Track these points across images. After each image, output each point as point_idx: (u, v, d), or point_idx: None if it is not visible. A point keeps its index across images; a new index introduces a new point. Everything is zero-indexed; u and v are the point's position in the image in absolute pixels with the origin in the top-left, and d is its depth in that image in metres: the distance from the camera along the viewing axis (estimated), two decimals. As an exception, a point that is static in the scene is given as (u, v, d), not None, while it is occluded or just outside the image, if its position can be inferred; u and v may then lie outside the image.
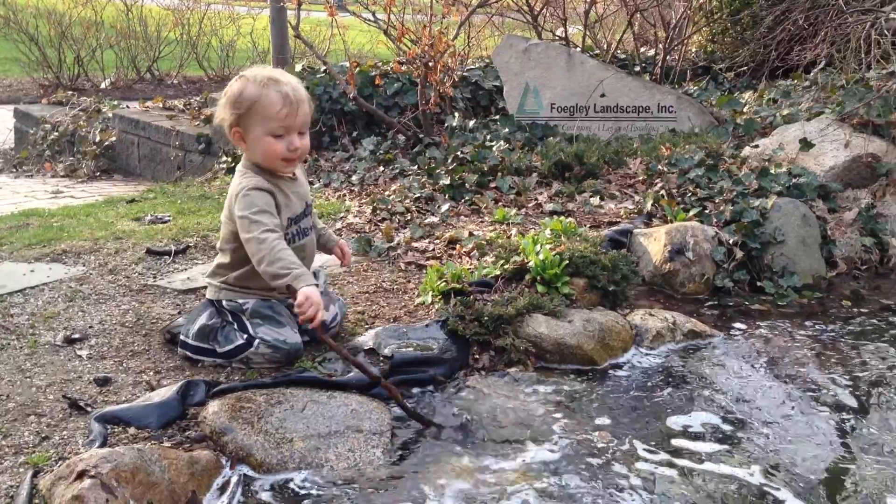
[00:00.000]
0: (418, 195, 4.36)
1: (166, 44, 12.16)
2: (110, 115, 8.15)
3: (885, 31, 4.83)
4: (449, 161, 4.76)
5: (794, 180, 3.99)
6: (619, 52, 7.11)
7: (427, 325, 2.91)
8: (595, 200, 4.21)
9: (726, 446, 2.36)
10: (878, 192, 4.09)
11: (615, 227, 3.81)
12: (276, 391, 2.43)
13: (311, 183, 4.71)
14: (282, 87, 2.51)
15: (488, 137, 5.16)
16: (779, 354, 3.02)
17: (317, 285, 2.44)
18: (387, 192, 4.51)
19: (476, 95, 6.17)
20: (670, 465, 2.26)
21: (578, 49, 6.46)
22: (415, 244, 3.77)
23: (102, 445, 2.10)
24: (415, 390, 2.62)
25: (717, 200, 3.93)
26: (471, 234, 3.79)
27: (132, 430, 2.23)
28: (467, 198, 4.35)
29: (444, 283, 3.10)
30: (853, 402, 2.66)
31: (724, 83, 6.60)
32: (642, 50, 7.27)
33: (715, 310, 3.43)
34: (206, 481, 2.07)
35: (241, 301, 2.67)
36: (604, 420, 2.49)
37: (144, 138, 7.42)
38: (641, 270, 3.59)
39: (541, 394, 2.64)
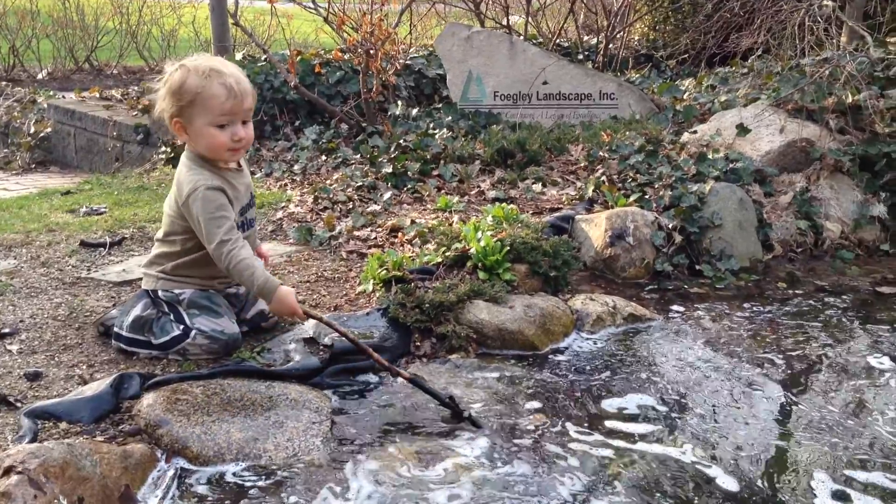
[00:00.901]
0: (361, 184, 4.33)
1: (104, 33, 11.88)
2: (45, 105, 7.95)
3: (819, 19, 4.93)
4: (392, 149, 4.74)
5: (731, 165, 4.05)
6: (562, 40, 7.15)
7: (368, 314, 2.89)
8: (537, 187, 4.23)
9: (662, 427, 2.39)
10: (813, 177, 4.17)
11: (557, 214, 3.83)
12: (213, 382, 2.39)
13: (252, 173, 4.65)
14: (226, 79, 2.45)
15: (431, 126, 5.15)
16: (716, 336, 3.07)
17: (281, 284, 2.48)
18: (329, 182, 4.47)
19: (419, 84, 6.15)
20: (606, 446, 2.27)
21: (521, 37, 6.47)
22: (357, 233, 3.74)
23: (32, 441, 2.05)
24: (360, 378, 2.61)
25: (656, 186, 3.97)
26: (413, 221, 3.78)
27: (63, 425, 2.18)
28: (410, 186, 4.34)
29: (385, 272, 3.09)
30: (789, 382, 2.71)
31: (667, 71, 6.68)
32: (585, 38, 7.32)
33: (655, 293, 3.47)
34: (140, 475, 2.03)
35: (177, 291, 2.62)
36: (542, 404, 2.50)
37: (81, 129, 7.24)
38: (583, 256, 3.61)
39: (481, 380, 2.64)
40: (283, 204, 4.22)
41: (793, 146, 4.24)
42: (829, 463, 2.23)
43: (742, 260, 3.72)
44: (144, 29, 12.07)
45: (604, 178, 4.19)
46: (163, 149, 5.85)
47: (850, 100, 4.34)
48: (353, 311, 2.96)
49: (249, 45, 8.62)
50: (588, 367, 2.78)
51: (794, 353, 2.93)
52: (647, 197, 3.90)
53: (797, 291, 3.56)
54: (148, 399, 2.27)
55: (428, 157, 4.58)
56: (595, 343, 2.98)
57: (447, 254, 3.22)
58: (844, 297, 3.51)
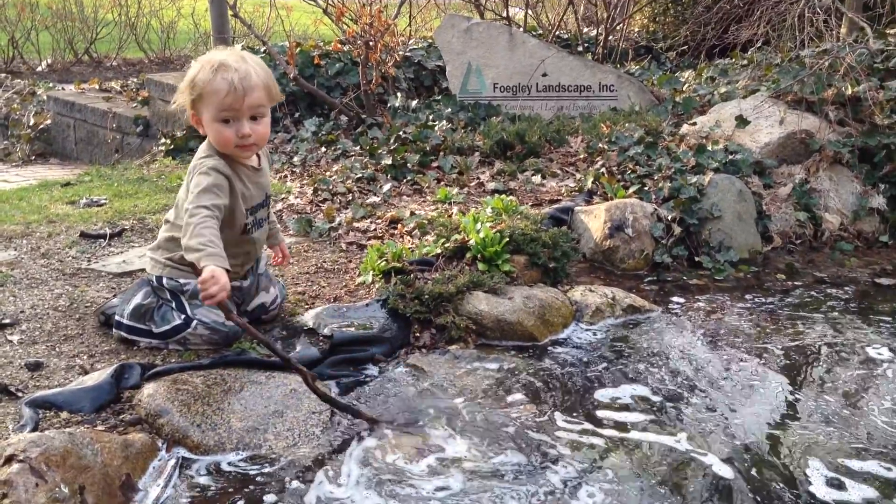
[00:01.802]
0: (360, 175, 4.34)
1: (104, 25, 11.86)
2: (45, 97, 7.94)
3: (818, 10, 4.93)
4: (391, 141, 4.74)
5: (730, 157, 4.06)
6: (561, 31, 7.14)
7: (367, 305, 2.90)
8: (536, 179, 4.23)
9: (659, 417, 2.40)
10: (812, 168, 4.18)
11: (556, 205, 3.84)
12: (213, 372, 2.40)
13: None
14: (229, 74, 2.42)
15: (431, 117, 5.15)
16: (715, 327, 3.08)
17: (228, 270, 2.28)
18: (328, 173, 4.47)
19: (419, 75, 6.15)
20: (605, 436, 2.29)
21: (521, 29, 6.46)
22: (356, 224, 3.75)
23: (33, 430, 2.06)
24: (360, 368, 2.61)
25: (655, 177, 3.98)
26: (412, 213, 3.79)
27: (64, 415, 2.19)
28: (409, 178, 4.34)
29: (384, 263, 3.09)
30: (787, 373, 2.72)
31: (666, 63, 6.68)
32: (585, 30, 7.31)
33: (654, 285, 3.48)
34: (141, 464, 2.04)
35: (182, 281, 2.61)
36: (541, 395, 2.51)
37: (81, 121, 7.24)
38: (582, 247, 3.62)
39: (480, 370, 2.65)
40: (283, 195, 4.22)
41: (792, 138, 4.25)
42: (825, 452, 2.24)
43: (741, 251, 3.73)
44: (144, 21, 12.05)
45: (603, 169, 4.20)
46: (163, 141, 5.84)
47: (849, 91, 4.34)
48: (352, 302, 2.97)
49: (249, 36, 8.59)
50: (587, 359, 2.79)
51: (792, 345, 2.95)
52: (646, 188, 3.91)
53: (796, 283, 3.57)
54: (148, 389, 2.28)
55: (427, 148, 4.58)
56: (594, 334, 2.99)
57: (446, 245, 3.23)
58: (843, 288, 3.52)
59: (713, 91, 5.01)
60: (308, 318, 2.81)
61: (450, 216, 3.65)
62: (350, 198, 4.11)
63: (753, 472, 2.14)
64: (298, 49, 5.63)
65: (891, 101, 4.28)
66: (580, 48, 6.77)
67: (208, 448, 2.13)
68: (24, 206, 4.18)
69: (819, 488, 2.08)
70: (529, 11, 7.22)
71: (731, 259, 3.66)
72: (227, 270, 2.27)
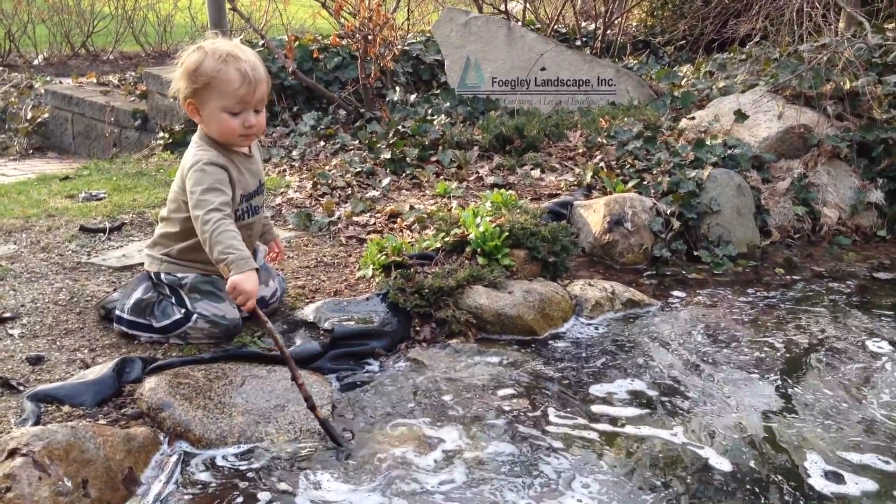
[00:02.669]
0: (359, 170, 4.34)
1: (101, 18, 11.82)
2: (42, 91, 7.91)
3: (817, 4, 4.93)
4: (390, 135, 4.74)
5: (729, 151, 4.06)
6: (560, 26, 7.14)
7: (368, 299, 2.90)
8: (536, 173, 4.24)
9: (659, 410, 2.41)
10: (810, 162, 4.18)
11: (555, 199, 3.85)
12: (214, 366, 2.41)
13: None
14: (241, 65, 2.43)
15: (429, 111, 5.15)
16: (714, 321, 3.09)
17: (257, 269, 2.35)
18: (327, 167, 4.47)
19: (417, 70, 6.14)
20: (603, 429, 2.30)
21: (519, 23, 6.46)
22: (356, 218, 3.76)
23: (35, 424, 2.06)
24: (361, 362, 2.62)
25: (654, 172, 3.98)
26: (412, 207, 3.79)
27: (66, 409, 2.19)
28: (408, 172, 4.34)
29: (384, 257, 3.10)
30: (785, 367, 2.73)
31: (665, 57, 6.68)
32: (583, 24, 7.31)
33: (653, 279, 3.49)
34: (143, 458, 2.05)
35: (180, 275, 2.62)
36: (540, 389, 2.52)
37: (78, 114, 7.22)
38: (581, 242, 3.63)
39: (481, 364, 2.66)
40: (282, 190, 4.22)
41: (791, 132, 4.25)
42: (824, 445, 2.25)
43: (740, 246, 3.74)
44: (140, 14, 12.00)
45: (602, 164, 4.20)
46: (161, 134, 5.84)
47: (847, 86, 4.35)
48: (353, 296, 2.97)
49: (246, 30, 8.58)
50: (587, 353, 2.80)
51: (791, 338, 2.96)
52: (645, 183, 3.91)
53: (795, 277, 3.58)
54: (150, 383, 2.28)
55: (426, 142, 4.59)
56: (594, 328, 3.00)
57: (446, 239, 3.23)
58: (842, 282, 3.53)
59: (712, 85, 5.01)
60: (308, 312, 2.81)
61: (449, 210, 3.66)
62: (349, 192, 4.11)
63: (752, 465, 2.15)
64: (297, 43, 5.62)
65: (889, 96, 4.29)
66: (578, 42, 6.77)
67: (210, 442, 2.14)
68: (24, 200, 4.18)
69: (817, 481, 2.09)
70: (528, 5, 7.21)
71: (729, 253, 3.67)
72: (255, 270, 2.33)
